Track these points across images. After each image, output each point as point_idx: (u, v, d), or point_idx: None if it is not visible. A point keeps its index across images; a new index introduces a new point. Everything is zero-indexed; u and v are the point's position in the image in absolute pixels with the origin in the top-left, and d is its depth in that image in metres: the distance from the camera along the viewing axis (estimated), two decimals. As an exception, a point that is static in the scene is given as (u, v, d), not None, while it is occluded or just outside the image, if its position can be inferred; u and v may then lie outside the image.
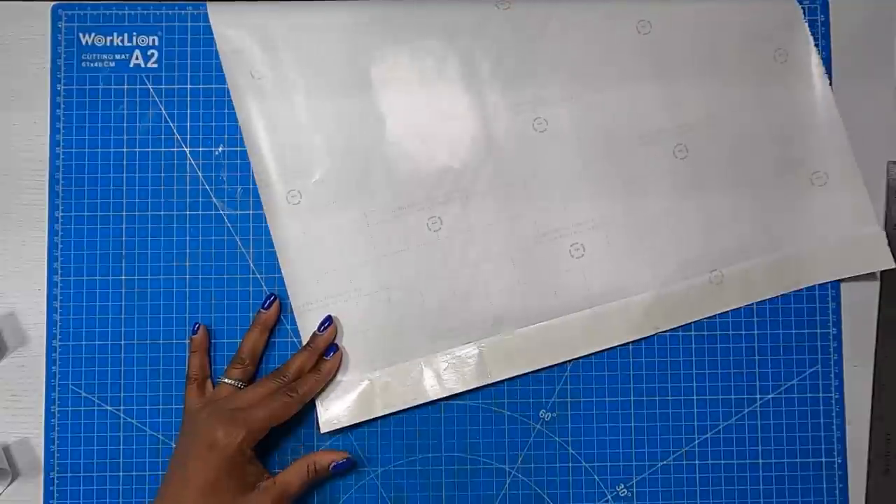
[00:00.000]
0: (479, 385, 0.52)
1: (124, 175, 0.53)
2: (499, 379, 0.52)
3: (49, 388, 0.52)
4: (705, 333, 0.53)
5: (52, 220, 0.53)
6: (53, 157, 0.53)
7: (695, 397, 0.53)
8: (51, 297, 0.52)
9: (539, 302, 0.52)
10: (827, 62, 0.54)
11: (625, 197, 0.53)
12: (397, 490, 0.52)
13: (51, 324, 0.52)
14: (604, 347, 0.52)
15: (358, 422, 0.51)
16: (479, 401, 0.52)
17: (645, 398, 0.53)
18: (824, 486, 0.53)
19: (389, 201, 0.53)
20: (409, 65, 0.53)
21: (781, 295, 0.53)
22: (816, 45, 0.54)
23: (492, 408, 0.53)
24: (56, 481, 0.51)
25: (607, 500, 0.52)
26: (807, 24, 0.54)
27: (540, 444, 0.52)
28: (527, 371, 0.52)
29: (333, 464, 0.49)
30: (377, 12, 0.53)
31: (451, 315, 0.52)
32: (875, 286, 0.54)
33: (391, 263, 0.52)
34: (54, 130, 0.53)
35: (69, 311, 0.52)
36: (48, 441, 0.52)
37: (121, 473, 0.51)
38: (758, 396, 0.53)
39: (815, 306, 0.53)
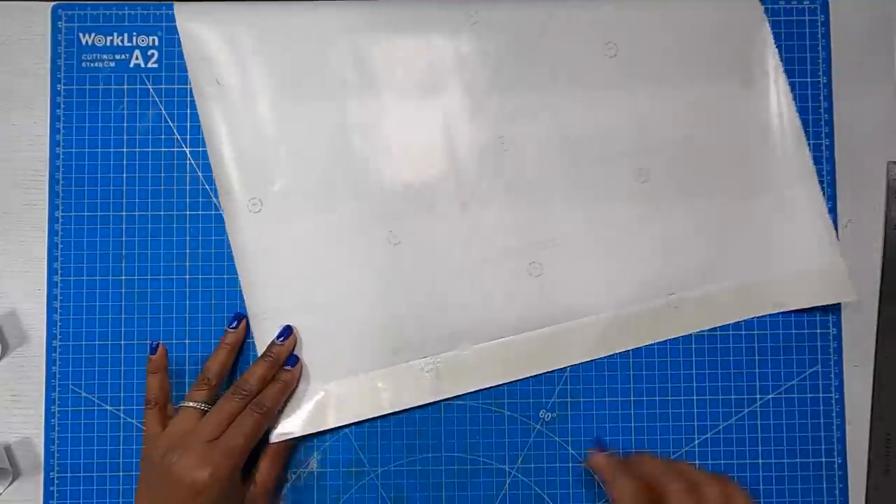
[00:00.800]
0: (433, 400, 0.51)
1: (124, 175, 0.53)
2: (453, 395, 0.52)
3: (49, 388, 0.52)
4: (705, 333, 0.53)
5: (52, 220, 0.53)
6: (53, 157, 0.53)
7: (695, 397, 0.53)
8: (51, 297, 0.52)
9: (496, 319, 0.52)
10: (827, 62, 0.54)
11: (584, 217, 0.53)
12: (397, 490, 0.52)
13: (51, 324, 0.52)
14: (561, 366, 0.52)
15: (309, 433, 0.51)
16: (479, 401, 0.52)
17: (645, 398, 0.53)
18: (824, 486, 0.53)
19: (350, 213, 0.52)
20: (376, 76, 0.52)
21: (744, 320, 0.53)
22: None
23: (492, 408, 0.53)
24: (56, 481, 0.51)
25: (607, 501, 0.52)
26: (775, 46, 0.54)
27: (540, 444, 0.52)
28: (482, 387, 0.52)
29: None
30: (345, 20, 0.52)
31: (408, 329, 0.52)
32: (875, 287, 0.54)
33: (349, 276, 0.52)
34: (54, 130, 0.53)
35: (69, 311, 0.52)
36: (48, 441, 0.52)
37: (121, 473, 0.52)
38: (758, 396, 0.53)
39: (815, 307, 0.53)
